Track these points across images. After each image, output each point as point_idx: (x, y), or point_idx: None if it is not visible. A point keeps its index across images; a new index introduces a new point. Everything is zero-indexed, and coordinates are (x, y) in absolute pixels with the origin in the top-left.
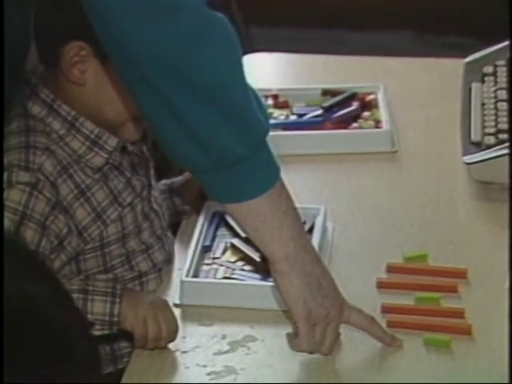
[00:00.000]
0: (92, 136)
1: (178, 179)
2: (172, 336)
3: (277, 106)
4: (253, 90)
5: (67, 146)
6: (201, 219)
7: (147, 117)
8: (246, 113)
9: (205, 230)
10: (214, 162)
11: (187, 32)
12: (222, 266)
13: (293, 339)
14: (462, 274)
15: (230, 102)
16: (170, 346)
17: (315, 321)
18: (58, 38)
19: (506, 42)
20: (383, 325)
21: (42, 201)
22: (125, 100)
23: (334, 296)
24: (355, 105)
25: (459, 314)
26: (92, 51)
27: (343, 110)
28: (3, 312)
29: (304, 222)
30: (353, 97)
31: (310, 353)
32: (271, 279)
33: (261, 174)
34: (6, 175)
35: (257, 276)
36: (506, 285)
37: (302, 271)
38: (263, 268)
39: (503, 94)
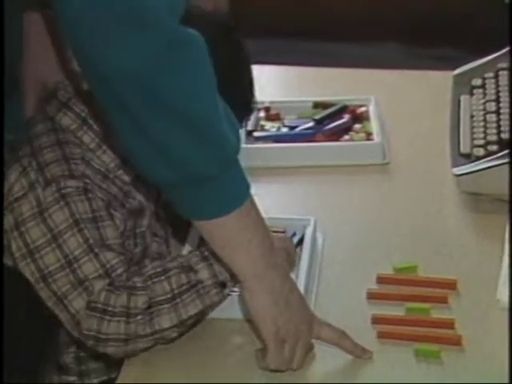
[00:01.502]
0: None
1: None
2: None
3: (268, 118)
4: (224, 109)
5: (98, 158)
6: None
7: (116, 130)
8: (216, 132)
9: None
10: (181, 180)
11: (158, 48)
12: None
13: (261, 357)
14: (451, 285)
15: (199, 120)
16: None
17: (284, 337)
18: None
19: (494, 55)
20: (373, 336)
21: (98, 199)
22: None
23: (302, 312)
24: (346, 117)
25: (449, 324)
26: None
27: (334, 122)
28: (3, 312)
29: (294, 234)
30: (344, 109)
31: (280, 371)
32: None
33: (229, 192)
34: (53, 187)
35: None
36: (497, 295)
37: (270, 288)
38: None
39: (492, 106)
